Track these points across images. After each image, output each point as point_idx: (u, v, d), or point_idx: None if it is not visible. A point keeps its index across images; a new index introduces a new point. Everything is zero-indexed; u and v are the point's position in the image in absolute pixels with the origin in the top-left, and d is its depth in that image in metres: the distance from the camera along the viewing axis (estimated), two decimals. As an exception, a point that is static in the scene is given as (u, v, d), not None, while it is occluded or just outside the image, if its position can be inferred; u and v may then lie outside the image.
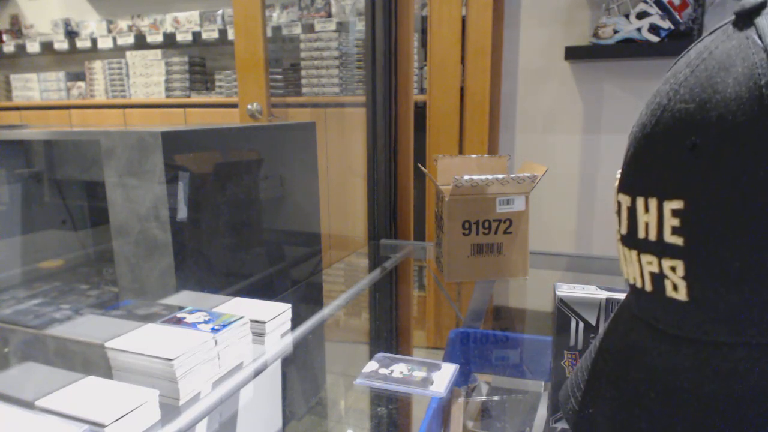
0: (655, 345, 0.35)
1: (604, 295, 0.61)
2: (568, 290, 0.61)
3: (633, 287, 0.37)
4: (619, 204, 0.37)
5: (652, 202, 0.33)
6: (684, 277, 0.32)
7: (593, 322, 0.59)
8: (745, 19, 0.31)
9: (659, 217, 0.33)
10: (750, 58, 0.29)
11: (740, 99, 0.29)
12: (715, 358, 0.32)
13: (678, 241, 0.32)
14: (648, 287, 0.35)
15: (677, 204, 0.32)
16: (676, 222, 0.32)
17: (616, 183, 0.38)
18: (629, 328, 0.38)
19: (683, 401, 0.32)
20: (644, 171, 0.34)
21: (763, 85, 0.28)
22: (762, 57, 0.29)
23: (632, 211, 0.35)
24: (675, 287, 0.33)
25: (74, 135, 1.13)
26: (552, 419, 0.66)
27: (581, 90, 2.07)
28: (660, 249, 0.33)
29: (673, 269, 0.33)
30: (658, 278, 0.34)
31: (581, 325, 0.62)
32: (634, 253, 0.35)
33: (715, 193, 0.30)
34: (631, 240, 0.35)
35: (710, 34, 0.34)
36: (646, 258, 0.34)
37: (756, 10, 0.31)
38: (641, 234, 0.34)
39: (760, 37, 0.30)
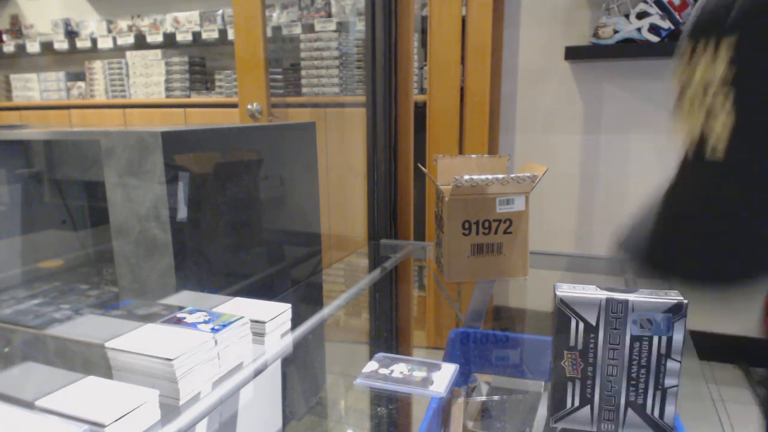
0: (699, 174, 0.43)
1: (604, 295, 0.61)
2: (568, 290, 0.61)
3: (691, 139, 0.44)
4: (684, 50, 0.43)
5: (712, 42, 0.40)
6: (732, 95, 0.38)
7: (593, 322, 0.59)
8: None
9: (716, 52, 0.39)
10: None
11: None
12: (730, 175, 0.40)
13: (730, 72, 0.38)
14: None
15: (732, 38, 0.38)
16: (730, 54, 0.38)
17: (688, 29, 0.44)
18: (689, 173, 0.45)
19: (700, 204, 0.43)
20: (707, 15, 0.41)
21: None
22: None
23: (694, 53, 0.41)
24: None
25: (74, 135, 1.13)
26: (552, 419, 0.66)
27: (581, 90, 2.07)
28: (717, 77, 0.39)
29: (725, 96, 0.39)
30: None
31: (581, 325, 0.62)
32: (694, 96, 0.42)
33: (763, 26, 0.37)
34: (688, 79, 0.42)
35: None
36: (704, 91, 0.41)
37: None
38: (700, 73, 0.41)
39: None
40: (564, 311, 0.62)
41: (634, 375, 0.63)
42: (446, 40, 2.00)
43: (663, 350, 0.60)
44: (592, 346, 0.63)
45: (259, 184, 1.16)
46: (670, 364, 0.61)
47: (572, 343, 0.64)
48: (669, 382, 0.62)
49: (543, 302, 1.05)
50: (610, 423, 0.64)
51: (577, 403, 0.65)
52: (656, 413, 0.64)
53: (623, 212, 2.10)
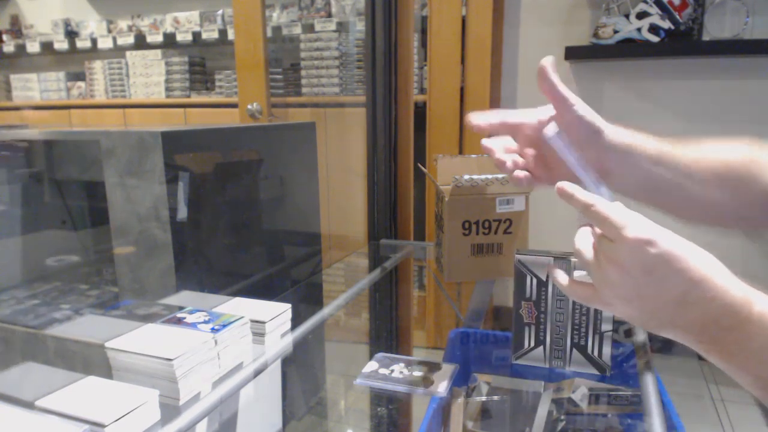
0: None
1: (551, 256, 0.75)
2: (525, 253, 0.73)
3: None
4: None
5: None
6: None
7: (543, 278, 0.72)
8: None
9: None
10: None
11: None
12: None
13: None
14: None
15: None
16: None
17: None
18: None
19: None
20: None
21: None
22: None
23: None
24: None
25: (74, 135, 1.13)
26: (513, 357, 0.80)
27: (581, 90, 2.07)
28: None
29: None
30: None
31: (534, 280, 0.77)
32: None
33: None
34: None
35: None
36: None
37: None
38: None
39: None
40: (521, 269, 0.75)
41: (577, 321, 0.77)
42: (446, 40, 2.00)
43: None
44: (543, 297, 0.77)
45: (259, 184, 1.16)
46: (605, 313, 0.75)
47: (528, 294, 0.77)
48: (605, 327, 0.76)
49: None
50: (559, 360, 0.78)
51: (532, 344, 0.79)
52: (595, 353, 0.77)
53: (623, 212, 2.10)
